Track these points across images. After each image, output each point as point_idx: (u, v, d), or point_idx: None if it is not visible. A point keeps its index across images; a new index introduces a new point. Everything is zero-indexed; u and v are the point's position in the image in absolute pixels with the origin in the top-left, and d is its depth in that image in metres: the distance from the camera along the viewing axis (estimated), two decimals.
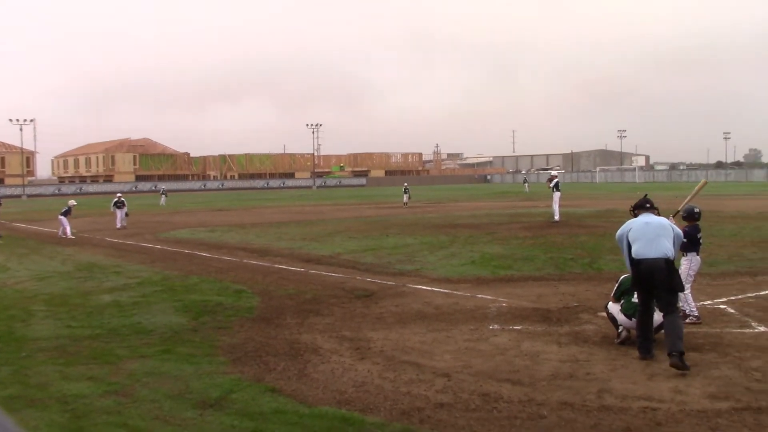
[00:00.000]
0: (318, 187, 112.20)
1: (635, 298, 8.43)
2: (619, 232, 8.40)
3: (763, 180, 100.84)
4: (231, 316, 10.75)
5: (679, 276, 8.08)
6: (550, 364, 7.82)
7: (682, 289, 8.07)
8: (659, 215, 8.50)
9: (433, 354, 8.34)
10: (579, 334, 9.19)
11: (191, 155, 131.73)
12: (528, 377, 7.33)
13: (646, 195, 8.78)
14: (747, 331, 9.25)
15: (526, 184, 78.66)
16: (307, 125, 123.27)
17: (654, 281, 7.84)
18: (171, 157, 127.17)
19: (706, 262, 12.89)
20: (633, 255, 8.00)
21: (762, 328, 9.30)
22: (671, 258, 7.92)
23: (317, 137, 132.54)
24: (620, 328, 8.66)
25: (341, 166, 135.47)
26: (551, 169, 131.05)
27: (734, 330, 9.30)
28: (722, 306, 10.79)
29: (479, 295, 12.03)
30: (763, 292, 11.84)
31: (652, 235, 7.97)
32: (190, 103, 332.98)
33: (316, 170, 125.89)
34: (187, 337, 9.41)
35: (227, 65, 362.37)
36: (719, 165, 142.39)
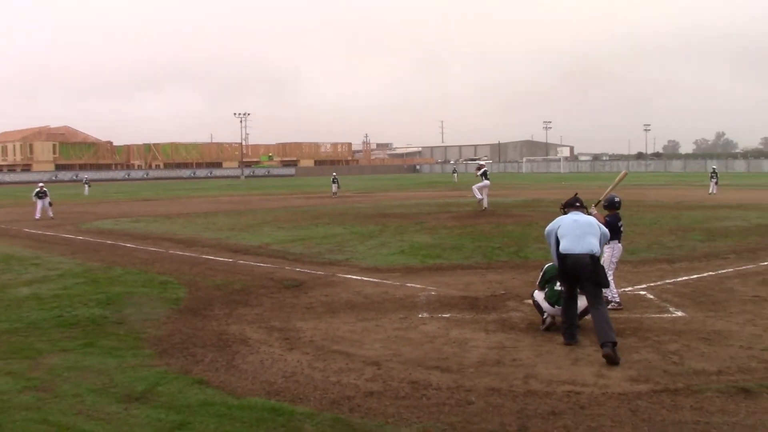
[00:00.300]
0: (246, 176, 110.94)
1: (558, 286, 8.66)
2: (548, 227, 8.58)
3: (681, 171, 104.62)
4: (157, 307, 10.54)
5: (604, 271, 8.28)
6: (477, 351, 7.94)
7: (607, 285, 8.30)
8: (588, 213, 8.74)
9: (362, 343, 8.36)
10: (506, 321, 9.36)
11: (114, 144, 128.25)
12: (456, 364, 7.42)
13: (576, 194, 9.00)
14: (665, 316, 9.59)
15: (455, 174, 79.47)
16: (235, 114, 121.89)
17: (579, 275, 8.03)
18: (93, 145, 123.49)
19: (627, 250, 13.31)
20: (560, 250, 8.18)
21: (679, 313, 9.66)
22: (596, 254, 8.12)
23: (245, 126, 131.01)
24: (545, 315, 8.87)
25: (270, 156, 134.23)
26: (479, 159, 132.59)
27: (653, 315, 9.63)
28: (642, 292, 11.16)
29: (408, 284, 12.11)
30: (680, 279, 12.30)
31: (579, 232, 8.17)
32: (112, 91, 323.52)
33: (244, 160, 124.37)
34: (110, 329, 9.17)
35: (152, 51, 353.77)
36: (640, 156, 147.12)
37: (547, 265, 9.28)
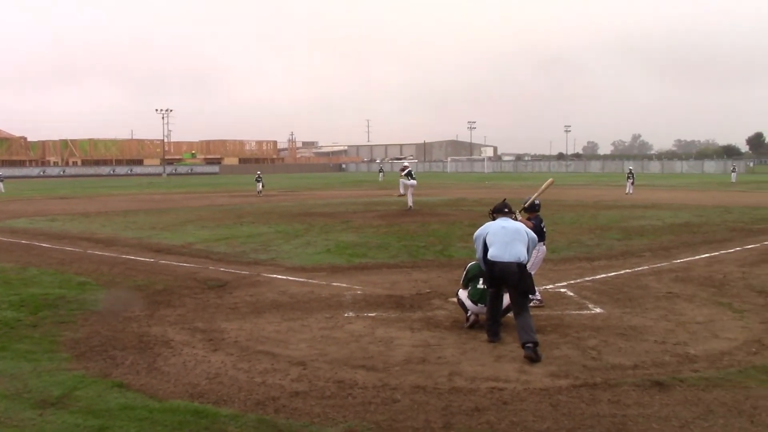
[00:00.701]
0: (168, 174, 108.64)
1: (480, 284, 8.81)
2: (477, 232, 8.66)
3: (600, 171, 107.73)
4: (74, 309, 10.20)
5: (531, 279, 8.38)
6: (403, 349, 8.00)
7: (533, 292, 8.42)
8: (516, 219, 8.90)
9: (288, 343, 8.31)
10: (431, 319, 9.45)
11: (28, 139, 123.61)
12: (382, 363, 7.46)
13: (504, 200, 9.14)
14: (584, 312, 9.87)
15: (381, 174, 79.69)
16: (157, 110, 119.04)
17: (506, 283, 8.14)
18: (5, 141, 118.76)
19: (548, 249, 13.61)
20: (488, 257, 8.26)
21: (598, 310, 9.96)
22: (524, 262, 8.23)
23: (167, 123, 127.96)
24: (469, 313, 9.00)
25: (193, 153, 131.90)
26: (404, 158, 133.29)
27: (573, 312, 9.90)
28: (563, 290, 11.45)
29: (334, 283, 12.10)
30: (599, 276, 12.67)
31: (508, 239, 8.25)
32: (26, 84, 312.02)
33: (166, 157, 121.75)
34: (24, 332, 8.83)
35: (69, 42, 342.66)
36: (560, 156, 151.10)
37: (469, 264, 9.44)
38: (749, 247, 16.60)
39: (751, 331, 8.73)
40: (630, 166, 59.35)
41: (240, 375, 7.07)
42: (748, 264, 14.00)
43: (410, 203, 27.83)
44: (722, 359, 7.53)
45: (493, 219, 8.75)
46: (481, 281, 8.85)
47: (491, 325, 8.38)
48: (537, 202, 10.70)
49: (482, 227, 8.62)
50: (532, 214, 10.62)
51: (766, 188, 47.19)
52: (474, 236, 8.73)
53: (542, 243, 10.52)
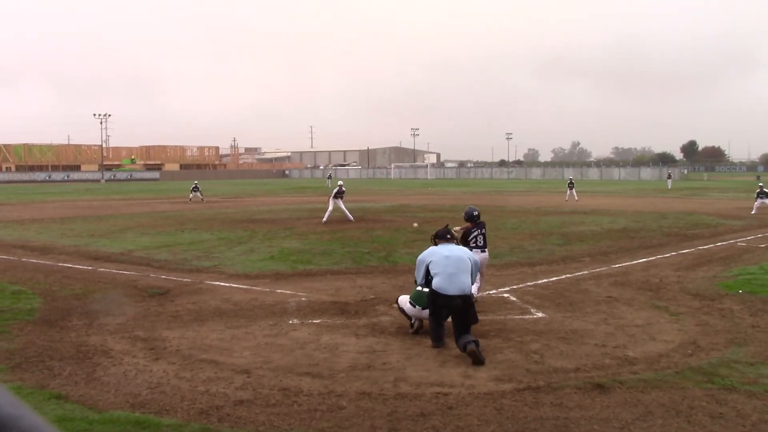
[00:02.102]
0: (107, 180, 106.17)
1: (419, 288, 8.88)
2: (420, 257, 8.75)
3: (540, 178, 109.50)
4: (8, 319, 9.87)
5: (474, 309, 8.38)
6: (348, 355, 7.98)
7: (476, 322, 8.40)
8: (458, 244, 9.03)
9: (232, 351, 8.20)
10: (376, 325, 9.46)
11: None
12: (327, 370, 7.43)
13: (447, 225, 9.23)
14: (527, 317, 10.01)
15: (329, 180, 79.23)
16: (95, 115, 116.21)
17: (450, 313, 8.21)
18: None
19: (491, 254, 13.77)
20: (433, 287, 8.29)
21: (540, 314, 10.11)
22: (468, 293, 8.29)
23: (106, 128, 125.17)
24: (412, 320, 9.03)
25: (132, 159, 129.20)
26: (348, 165, 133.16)
27: (516, 317, 10.03)
28: (506, 294, 11.59)
29: (278, 290, 12.01)
30: (540, 281, 12.87)
31: (452, 270, 8.28)
32: None
33: (105, 163, 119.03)
34: None
35: (1, 44, 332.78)
36: (502, 163, 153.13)
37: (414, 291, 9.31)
38: (684, 251, 17.08)
39: (686, 333, 8.98)
40: (570, 175, 60.50)
41: (182, 384, 6.95)
42: (683, 268, 14.40)
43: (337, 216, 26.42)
44: (660, 361, 7.73)
45: (435, 244, 8.84)
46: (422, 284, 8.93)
47: (436, 330, 8.43)
48: (476, 213, 11.05)
49: (426, 253, 8.70)
50: (472, 223, 10.91)
51: (700, 195, 48.67)
52: (417, 260, 8.81)
53: (484, 250, 10.76)
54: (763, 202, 29.82)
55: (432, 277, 8.39)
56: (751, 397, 6.52)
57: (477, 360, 7.57)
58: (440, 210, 30.20)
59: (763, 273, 13.72)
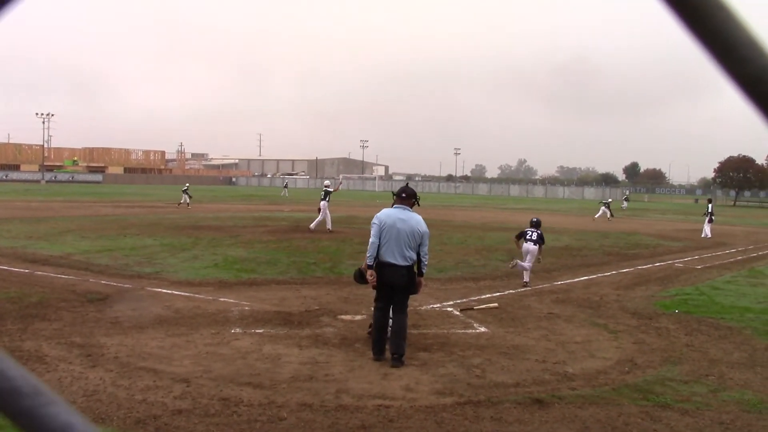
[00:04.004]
0: (48, 181, 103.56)
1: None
2: (377, 219, 8.42)
3: (487, 194, 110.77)
4: None
5: (416, 280, 8.47)
6: (290, 366, 7.93)
7: (415, 293, 8.56)
8: (416, 204, 8.78)
9: (171, 359, 8.06)
10: (319, 336, 9.41)
11: None
12: (269, 380, 7.36)
13: (407, 184, 9.12)
14: (470, 331, 10.09)
15: (286, 189, 78.52)
16: (37, 114, 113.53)
17: (394, 284, 8.25)
18: None
19: (436, 268, 13.92)
20: (380, 257, 8.26)
21: (482, 329, 10.20)
22: (412, 264, 8.31)
23: (48, 128, 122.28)
24: (370, 327, 9.00)
25: (75, 161, 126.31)
26: (296, 174, 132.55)
27: (459, 331, 10.10)
28: (449, 309, 11.67)
29: (222, 299, 11.87)
30: (484, 296, 12.99)
31: (401, 241, 8.21)
32: None
33: (45, 163, 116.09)
34: None
35: None
36: (450, 178, 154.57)
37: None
38: (624, 270, 17.47)
39: (624, 351, 9.17)
40: (515, 192, 61.25)
41: (119, 392, 6.80)
42: (622, 287, 14.72)
43: (329, 225, 26.26)
44: (598, 378, 7.87)
45: (393, 204, 8.66)
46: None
47: (378, 342, 8.41)
48: (535, 219, 15.38)
49: (382, 215, 8.42)
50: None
51: (641, 215, 49.85)
52: (372, 221, 8.50)
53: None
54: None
55: (379, 246, 8.27)
56: (684, 414, 6.69)
57: (395, 367, 7.94)
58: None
59: (699, 294, 14.12)
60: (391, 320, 8.36)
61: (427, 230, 8.54)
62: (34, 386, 0.59)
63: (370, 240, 8.37)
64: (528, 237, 14.71)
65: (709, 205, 30.52)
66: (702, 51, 0.55)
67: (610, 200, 46.03)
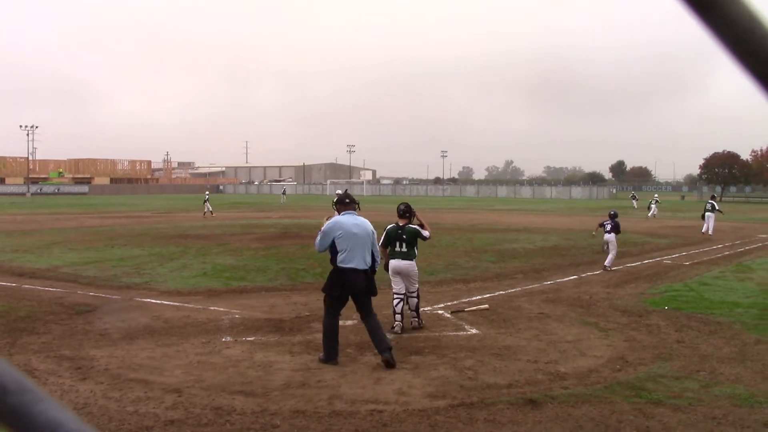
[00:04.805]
0: (33, 194, 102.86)
1: (398, 248, 10.01)
2: (326, 227, 8.58)
3: (474, 195, 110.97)
4: None
5: (374, 282, 8.65)
6: (282, 373, 7.90)
7: (376, 294, 8.68)
8: (358, 208, 9.11)
9: (162, 370, 8.02)
10: (311, 342, 9.38)
11: None
12: (261, 388, 7.33)
13: (346, 190, 9.33)
14: (461, 333, 10.10)
15: (284, 195, 78.27)
16: (21, 126, 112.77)
17: (356, 289, 8.37)
18: None
19: (426, 271, 13.92)
20: (339, 263, 8.39)
21: (474, 331, 10.21)
22: (368, 267, 8.48)
23: (33, 140, 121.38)
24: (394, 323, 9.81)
25: (60, 172, 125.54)
26: (283, 180, 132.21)
27: (450, 333, 10.10)
28: (440, 311, 11.67)
29: (212, 307, 11.82)
30: (474, 298, 13.00)
31: (359, 245, 8.40)
32: None
33: (31, 176, 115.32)
34: None
35: None
36: (437, 181, 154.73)
37: (389, 227, 10.42)
38: (613, 269, 17.51)
39: (615, 348, 9.20)
40: (503, 193, 61.29)
41: (110, 404, 6.75)
42: (612, 285, 14.77)
43: None
44: (590, 376, 7.89)
45: (338, 211, 8.84)
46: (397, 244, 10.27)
47: (332, 348, 8.42)
48: (613, 212, 17.93)
49: (333, 223, 8.58)
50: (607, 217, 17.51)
51: (629, 214, 50.02)
52: (323, 230, 8.61)
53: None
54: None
55: (337, 253, 8.42)
56: (677, 410, 6.71)
57: (389, 365, 7.95)
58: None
59: (688, 290, 14.19)
60: (366, 324, 8.49)
61: (375, 232, 8.80)
62: (20, 383, 0.57)
63: (379, 247, 8.68)
64: (605, 229, 17.54)
65: (712, 202, 30.47)
66: (713, 37, 0.54)
67: (657, 197, 46.62)
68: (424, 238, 10.67)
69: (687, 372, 8.12)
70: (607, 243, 17.32)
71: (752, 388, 7.49)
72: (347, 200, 8.90)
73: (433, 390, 7.31)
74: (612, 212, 17.97)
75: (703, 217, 29.78)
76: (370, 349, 8.95)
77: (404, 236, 10.42)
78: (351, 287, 8.37)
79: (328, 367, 8.16)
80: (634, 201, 60.26)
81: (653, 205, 44.05)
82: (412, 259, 10.40)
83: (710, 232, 28.86)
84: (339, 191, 28.57)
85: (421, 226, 10.72)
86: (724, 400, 7.05)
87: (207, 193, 44.37)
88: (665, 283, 15.26)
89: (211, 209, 41.66)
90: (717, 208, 29.97)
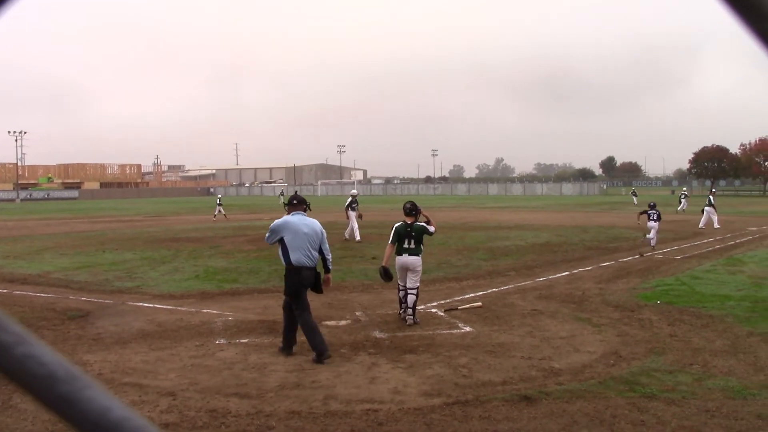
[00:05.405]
0: (23, 200, 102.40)
1: (407, 244, 10.57)
2: (274, 225, 8.99)
3: (465, 194, 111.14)
4: None
5: (320, 281, 8.99)
6: (277, 374, 7.90)
7: (320, 292, 9.15)
8: (307, 209, 9.58)
9: (156, 373, 8.00)
10: (304, 343, 9.33)
11: None
12: (256, 389, 7.33)
13: (296, 192, 9.53)
14: (455, 331, 10.11)
15: (282, 197, 78.02)
16: (10, 132, 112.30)
17: (307, 285, 8.77)
18: None
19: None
20: (292, 262, 8.73)
21: (467, 329, 10.22)
22: (316, 265, 8.89)
23: (21, 145, 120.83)
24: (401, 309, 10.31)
25: (50, 177, 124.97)
26: (274, 182, 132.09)
27: (444, 331, 10.11)
28: (434, 310, 11.68)
29: (205, 310, 11.80)
30: (467, 296, 13.02)
31: (309, 243, 8.78)
32: None
33: (20, 182, 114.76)
34: None
35: None
36: (428, 179, 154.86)
37: (396, 225, 10.79)
38: (604, 264, 17.58)
39: (608, 344, 9.23)
40: (494, 191, 61.30)
41: None
42: (604, 280, 14.81)
43: (357, 236, 24.34)
44: (584, 372, 7.91)
45: (288, 212, 9.20)
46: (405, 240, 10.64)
47: (290, 339, 8.80)
48: (652, 203, 21.67)
49: (281, 222, 8.95)
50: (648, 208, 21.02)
51: (620, 209, 50.23)
52: (271, 227, 9.04)
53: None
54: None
55: (288, 252, 8.76)
56: (671, 404, 6.74)
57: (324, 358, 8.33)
58: (374, 226, 30.28)
59: (680, 284, 14.24)
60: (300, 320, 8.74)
61: (324, 231, 9.12)
62: (69, 371, 0.58)
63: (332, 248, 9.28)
64: (650, 217, 21.31)
65: (710, 197, 31.04)
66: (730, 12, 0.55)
67: (685, 191, 46.94)
68: (431, 234, 11.17)
69: (680, 365, 8.15)
70: (651, 229, 21.09)
71: (745, 381, 7.53)
72: (295, 201, 9.28)
73: (428, 388, 7.32)
74: (652, 203, 21.80)
75: (702, 211, 30.38)
76: (365, 349, 8.98)
77: (413, 233, 10.84)
78: (305, 283, 8.75)
79: (322, 368, 8.16)
80: (634, 197, 60.72)
81: (683, 200, 44.43)
82: (418, 255, 10.86)
83: (711, 224, 29.36)
84: (354, 191, 28.53)
85: (428, 222, 11.19)
86: (717, 393, 7.08)
87: (219, 196, 45.43)
88: (657, 277, 15.32)
89: (224, 212, 42.13)
90: (709, 202, 30.36)
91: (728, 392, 7.11)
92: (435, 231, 11.32)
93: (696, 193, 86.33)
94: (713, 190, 35.81)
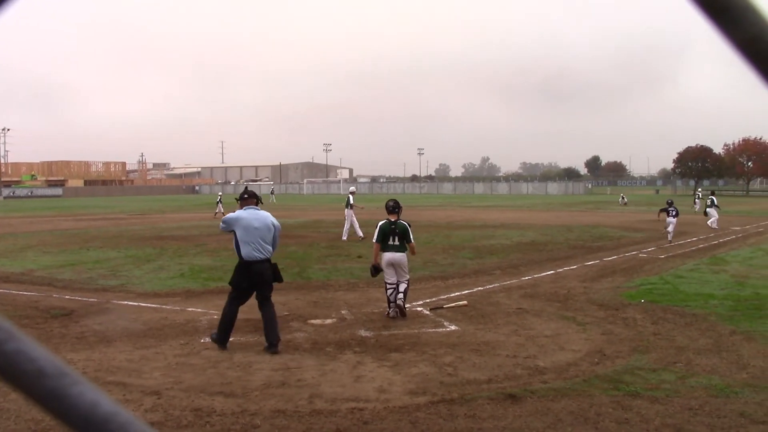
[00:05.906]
0: (5, 197, 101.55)
1: (392, 241, 10.79)
2: (227, 218, 9.28)
3: (451, 192, 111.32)
4: None
5: (278, 269, 9.20)
6: (262, 373, 7.88)
7: (282, 281, 9.42)
8: (259, 203, 9.55)
9: (141, 372, 7.96)
10: (290, 342, 9.37)
11: None
12: (241, 388, 7.31)
13: (246, 187, 9.56)
14: (440, 330, 10.13)
15: (273, 195, 77.69)
16: None
17: (262, 278, 8.88)
18: None
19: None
20: (243, 257, 8.85)
21: (453, 327, 10.25)
22: (270, 256, 9.03)
23: (5, 143, 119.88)
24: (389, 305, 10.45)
25: (33, 175, 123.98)
26: (260, 180, 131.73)
27: (429, 330, 10.13)
28: (419, 308, 11.69)
29: (190, 309, 11.75)
30: (453, 294, 13.04)
31: (261, 238, 8.93)
32: None
33: (3, 179, 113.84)
34: None
35: None
36: (414, 178, 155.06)
37: (380, 222, 10.99)
38: (589, 263, 17.67)
39: (593, 342, 9.28)
40: (480, 190, 61.43)
41: None
42: (588, 279, 14.89)
43: (359, 233, 24.39)
44: (568, 370, 7.95)
45: (240, 206, 9.32)
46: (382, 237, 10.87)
47: (226, 333, 8.88)
48: (670, 200, 23.40)
49: (234, 216, 9.17)
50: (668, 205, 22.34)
51: (604, 208, 50.50)
52: (223, 218, 9.37)
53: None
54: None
55: (239, 246, 8.91)
56: (654, 402, 6.79)
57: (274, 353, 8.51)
58: (360, 225, 30.33)
59: (664, 283, 14.34)
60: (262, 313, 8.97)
61: (278, 223, 9.34)
62: (58, 367, 0.58)
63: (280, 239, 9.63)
64: (669, 213, 23.32)
65: (712, 197, 31.20)
66: (701, 14, 0.56)
67: (701, 191, 47.13)
68: (411, 241, 11.40)
69: (664, 364, 8.21)
70: (670, 224, 23.10)
71: (728, 379, 7.59)
72: (246, 195, 9.41)
73: (413, 387, 7.33)
74: (670, 200, 24.23)
75: (705, 213, 30.65)
76: (350, 348, 8.98)
77: (397, 231, 11.06)
78: (257, 277, 8.86)
79: (308, 366, 8.15)
80: (623, 199, 61.18)
81: (698, 200, 44.73)
82: (403, 252, 11.09)
83: (715, 225, 29.41)
84: (353, 188, 28.50)
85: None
86: (701, 391, 7.14)
87: (220, 194, 45.85)
88: (641, 276, 15.41)
89: (223, 210, 41.54)
90: (713, 203, 30.63)
91: (711, 390, 7.17)
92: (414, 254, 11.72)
93: (680, 192, 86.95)
94: (713, 191, 36.16)
